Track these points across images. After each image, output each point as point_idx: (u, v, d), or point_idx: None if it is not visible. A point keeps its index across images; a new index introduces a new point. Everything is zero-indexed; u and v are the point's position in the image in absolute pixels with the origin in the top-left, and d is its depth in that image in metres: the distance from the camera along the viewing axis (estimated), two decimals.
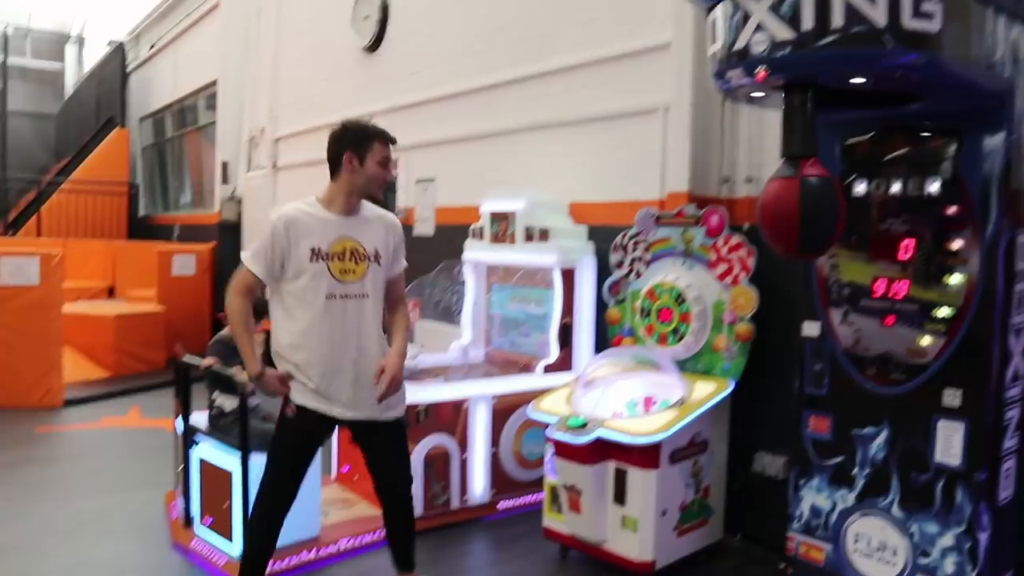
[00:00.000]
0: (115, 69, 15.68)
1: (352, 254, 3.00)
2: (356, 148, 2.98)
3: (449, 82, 6.30)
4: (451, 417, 4.39)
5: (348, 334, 2.98)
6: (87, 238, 13.12)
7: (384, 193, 3.15)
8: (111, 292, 11.36)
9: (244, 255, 3.05)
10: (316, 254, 2.95)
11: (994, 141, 2.82)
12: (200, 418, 4.16)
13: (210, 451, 4.01)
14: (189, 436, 4.15)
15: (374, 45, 7.37)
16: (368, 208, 3.10)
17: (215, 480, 3.95)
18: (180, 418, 4.21)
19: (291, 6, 9.18)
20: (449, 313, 5.68)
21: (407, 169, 6.85)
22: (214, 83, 11.10)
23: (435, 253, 6.03)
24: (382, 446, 3.16)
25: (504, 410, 4.55)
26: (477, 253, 5.20)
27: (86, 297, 10.66)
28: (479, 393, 4.49)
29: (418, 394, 4.21)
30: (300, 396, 3.01)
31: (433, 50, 6.56)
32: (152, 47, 14.72)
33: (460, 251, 5.30)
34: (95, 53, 18.16)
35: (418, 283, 5.89)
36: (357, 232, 3.02)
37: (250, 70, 10.03)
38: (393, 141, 3.05)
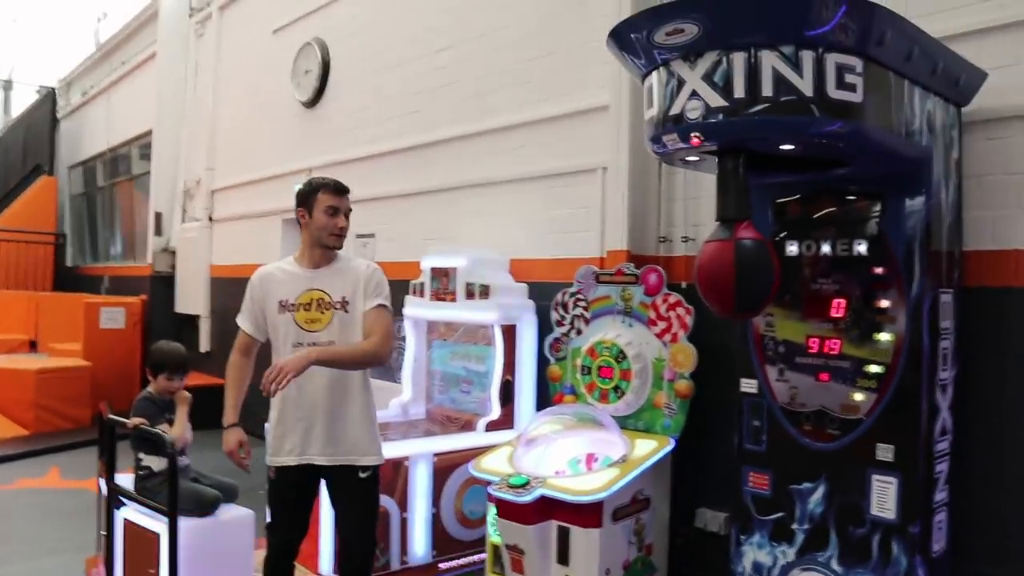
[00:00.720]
0: (44, 115, 15.38)
1: (318, 304, 3.16)
2: (305, 202, 3.20)
3: (389, 138, 6.34)
4: (391, 476, 4.31)
5: (316, 382, 3.09)
6: (9, 288, 12.69)
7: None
8: (33, 346, 10.97)
9: (238, 317, 3.30)
10: (283, 305, 3.16)
11: (915, 204, 2.93)
12: (125, 480, 4.00)
13: (135, 514, 3.87)
14: (113, 497, 3.98)
15: (314, 100, 7.40)
16: (343, 260, 3.27)
17: (140, 545, 3.79)
18: (103, 479, 4.06)
19: (230, 58, 9.18)
20: (389, 370, 5.62)
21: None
22: (148, 133, 10.96)
23: None
24: (351, 502, 3.23)
25: (445, 468, 4.51)
26: (417, 309, 5.18)
27: (4, 351, 10.26)
28: (419, 451, 4.44)
29: None
30: (278, 455, 3.21)
31: (373, 106, 6.61)
32: (84, 94, 14.51)
33: (400, 307, 5.28)
34: (24, 99, 17.78)
35: None
36: (325, 283, 3.18)
37: (186, 120, 9.94)
38: (341, 190, 3.21)
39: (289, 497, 3.25)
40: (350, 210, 3.26)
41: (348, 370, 3.15)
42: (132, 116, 11.96)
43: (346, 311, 3.16)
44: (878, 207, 3.02)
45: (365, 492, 3.23)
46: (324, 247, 3.19)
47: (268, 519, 3.34)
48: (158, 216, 10.32)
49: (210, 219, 9.32)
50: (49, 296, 12.01)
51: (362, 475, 3.20)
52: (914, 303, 2.93)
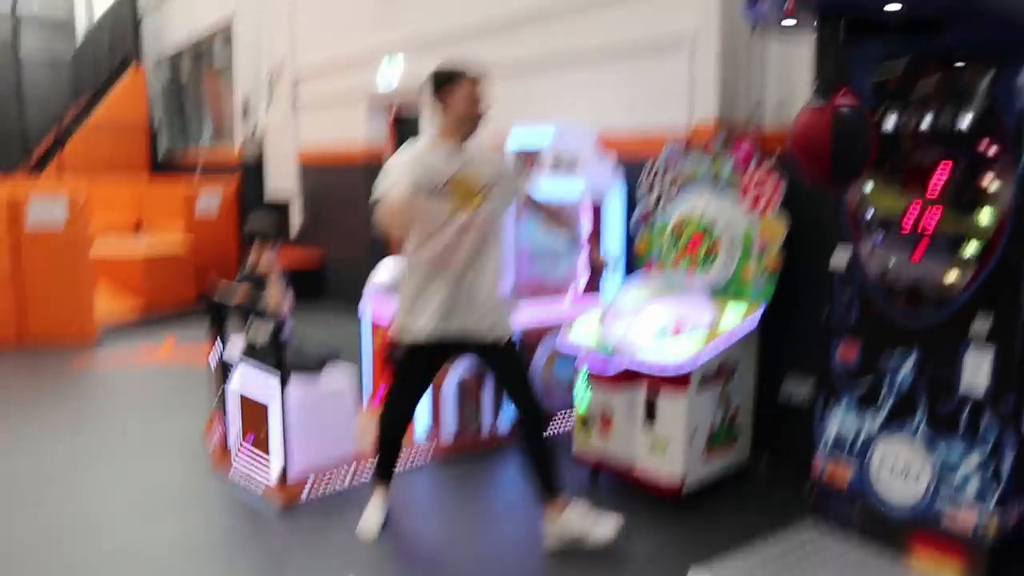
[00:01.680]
0: (129, 9, 15.55)
1: (469, 183, 3.24)
2: (450, 83, 3.21)
3: (471, 11, 6.24)
4: None
5: (464, 261, 3.23)
6: (110, 176, 13.20)
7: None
8: (138, 226, 11.47)
9: (382, 192, 3.11)
10: (434, 188, 3.18)
11: None
12: (235, 347, 4.26)
13: (246, 383, 4.15)
14: (224, 369, 4.28)
15: None
16: (478, 144, 3.34)
17: (252, 411, 4.09)
18: (215, 352, 4.34)
19: None
20: None
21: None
22: (231, 20, 11.01)
23: None
24: (502, 369, 3.39)
25: (535, 337, 4.64)
26: None
27: (114, 233, 10.76)
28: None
29: None
30: (414, 328, 3.29)
31: None
32: None
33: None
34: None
35: None
36: (474, 163, 3.27)
37: (268, 4, 9.93)
38: (480, 77, 3.24)
39: (418, 370, 3.45)
40: (486, 96, 3.33)
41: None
42: (212, 4, 11.99)
43: (491, 196, 3.29)
44: (989, 76, 2.87)
45: (507, 355, 3.39)
46: (470, 130, 3.28)
47: (391, 390, 3.49)
48: (244, 103, 10.50)
49: (294, 104, 9.43)
50: (148, 182, 12.45)
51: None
52: (1022, 177, 2.83)
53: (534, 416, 3.33)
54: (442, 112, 3.24)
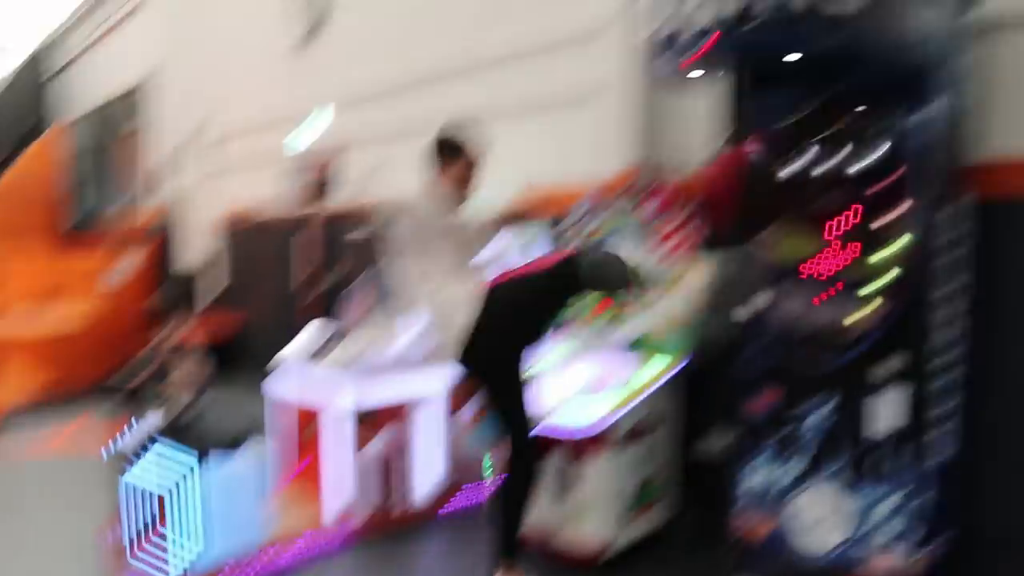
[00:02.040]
0: (34, 75, 15.21)
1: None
2: (451, 152, 3.41)
3: (395, 72, 6.23)
4: (401, 412, 4.34)
5: None
6: (18, 245, 12.65)
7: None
8: (47, 299, 10.96)
9: None
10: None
11: (923, 114, 2.88)
12: (138, 433, 3.99)
13: (149, 469, 3.88)
14: (120, 463, 3.98)
15: (312, 33, 7.21)
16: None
17: (155, 501, 3.80)
18: (118, 437, 4.06)
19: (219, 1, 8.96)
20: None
21: (350, 165, 6.75)
22: (148, 80, 10.79)
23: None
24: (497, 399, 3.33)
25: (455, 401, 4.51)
26: None
27: (21, 306, 10.24)
28: (423, 389, 4.45)
29: (369, 392, 4.18)
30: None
31: (377, 39, 6.46)
32: (74, 51, 14.27)
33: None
34: (11, 62, 17.53)
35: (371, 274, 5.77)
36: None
37: (186, 67, 9.77)
38: (481, 148, 3.46)
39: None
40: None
41: None
42: (125, 69, 11.77)
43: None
44: (886, 118, 2.95)
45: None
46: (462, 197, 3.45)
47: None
48: (162, 165, 10.24)
49: (209, 169, 9.24)
50: (60, 251, 11.95)
51: None
52: (924, 214, 2.89)
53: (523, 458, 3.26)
54: (439, 175, 3.42)
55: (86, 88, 13.75)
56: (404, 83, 6.12)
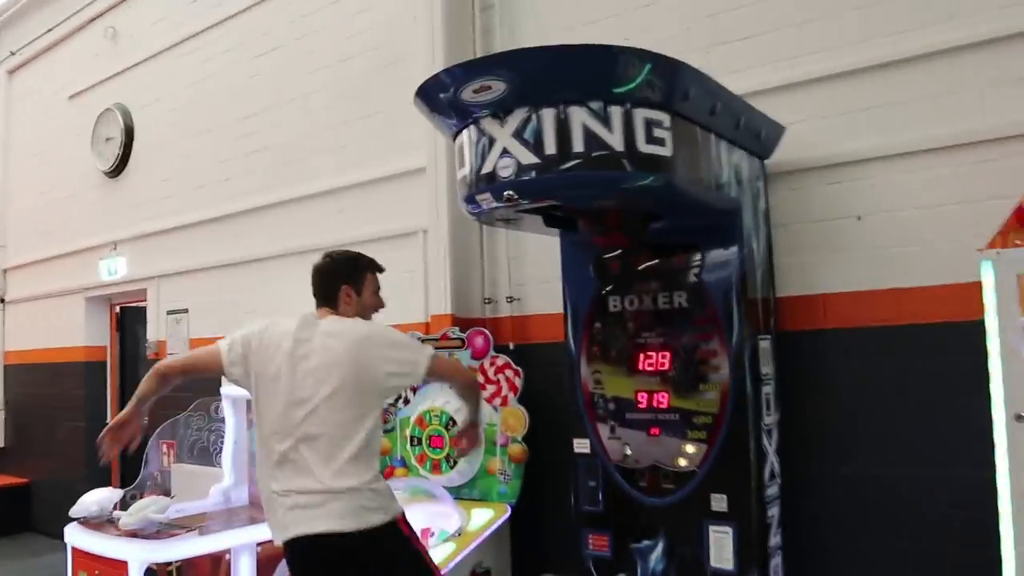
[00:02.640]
0: None
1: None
2: (354, 281, 2.88)
3: (200, 207, 5.98)
4: (210, 572, 3.94)
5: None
6: None
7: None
8: None
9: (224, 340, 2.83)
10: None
11: (729, 254, 3.00)
12: None
13: None
14: None
15: (118, 169, 6.90)
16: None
17: None
18: None
19: (22, 126, 8.46)
20: (208, 454, 5.19)
21: (158, 300, 6.37)
22: None
23: (190, 390, 5.55)
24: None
25: (272, 558, 4.14)
26: (235, 388, 4.80)
27: None
28: (242, 542, 4.06)
29: (169, 550, 3.77)
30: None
31: (183, 174, 6.23)
32: None
33: (217, 386, 4.90)
34: None
35: (171, 423, 5.37)
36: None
37: None
38: (381, 270, 3.02)
39: None
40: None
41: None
42: None
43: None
44: (696, 258, 3.06)
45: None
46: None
47: None
48: None
49: (2, 300, 8.48)
50: None
51: None
52: (735, 351, 2.96)
53: None
54: (347, 301, 2.83)
55: None
56: (214, 221, 5.90)
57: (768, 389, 3.11)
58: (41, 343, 7.77)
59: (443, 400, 3.94)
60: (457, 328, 4.05)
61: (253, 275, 5.55)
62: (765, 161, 3.27)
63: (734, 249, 2.99)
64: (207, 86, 6.08)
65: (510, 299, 4.18)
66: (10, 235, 8.47)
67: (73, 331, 7.34)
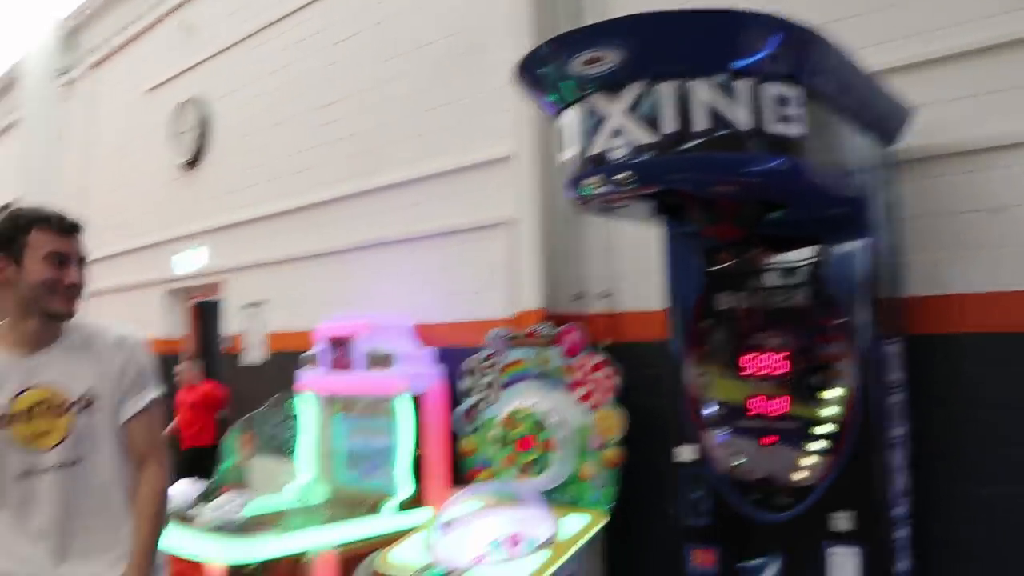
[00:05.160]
0: None
1: (47, 408, 2.08)
2: (8, 248, 2.06)
3: (278, 199, 5.92)
4: (290, 571, 3.85)
5: (56, 522, 2.06)
6: None
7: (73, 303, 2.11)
8: None
9: None
10: None
11: (855, 248, 2.72)
12: None
13: None
14: None
15: (194, 161, 6.90)
16: (78, 332, 2.16)
17: None
18: None
19: (102, 121, 8.60)
20: (285, 449, 5.11)
21: (233, 293, 6.33)
22: (9, 205, 10.12)
23: (267, 383, 5.50)
24: None
25: (353, 559, 4.00)
26: (314, 382, 4.72)
27: None
28: (322, 542, 3.95)
29: (250, 550, 3.70)
30: None
31: (260, 165, 6.18)
32: None
33: (294, 380, 4.81)
34: None
35: (248, 417, 5.32)
36: (54, 372, 2.10)
37: (54, 189, 9.20)
38: (67, 228, 2.11)
39: None
40: (84, 258, 2.15)
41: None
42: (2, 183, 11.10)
43: (92, 412, 2.12)
44: (817, 253, 2.79)
45: None
46: (46, 315, 2.08)
47: None
48: None
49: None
50: None
51: None
52: (862, 355, 2.69)
53: None
54: (7, 284, 2.07)
55: None
56: (292, 212, 5.81)
57: (897, 398, 2.82)
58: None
59: (532, 400, 3.74)
60: (547, 324, 3.84)
61: (331, 267, 5.46)
62: (893, 147, 2.97)
63: (861, 243, 2.71)
64: (283, 76, 6.01)
65: (604, 294, 3.95)
66: (92, 228, 8.55)
67: (152, 323, 7.39)
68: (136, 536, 2.10)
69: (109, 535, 2.12)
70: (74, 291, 2.10)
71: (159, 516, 2.15)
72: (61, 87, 9.23)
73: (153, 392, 2.21)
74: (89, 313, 6.69)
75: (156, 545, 2.13)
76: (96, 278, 8.01)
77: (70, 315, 2.12)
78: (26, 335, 2.10)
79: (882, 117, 2.82)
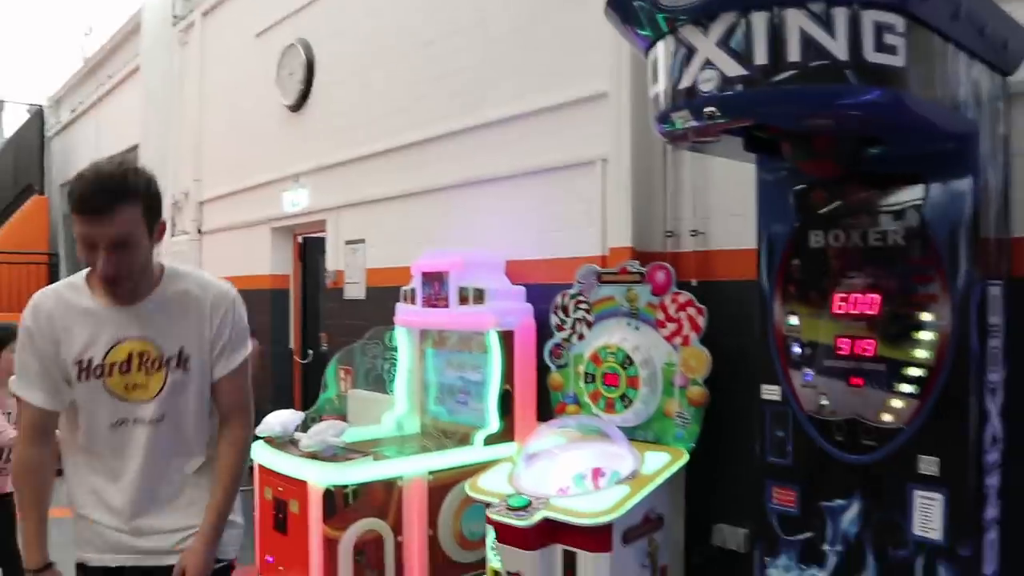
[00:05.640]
0: (34, 134, 15.20)
1: (141, 361, 2.11)
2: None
3: (378, 139, 6.04)
4: (383, 498, 4.03)
5: (143, 475, 2.13)
6: (4, 311, 12.38)
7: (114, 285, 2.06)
8: None
9: (14, 383, 2.19)
10: (83, 367, 2.08)
11: (960, 186, 2.61)
12: None
13: None
14: None
15: (299, 103, 7.11)
16: (174, 282, 2.17)
17: None
18: None
19: (215, 65, 8.92)
20: (381, 382, 5.32)
21: (336, 230, 6.55)
22: (136, 147, 10.68)
23: (366, 318, 5.71)
24: None
25: (441, 487, 4.21)
26: (409, 317, 4.87)
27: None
28: (413, 469, 4.14)
29: (346, 473, 3.89)
30: (87, 550, 2.19)
31: (361, 106, 6.32)
32: (73, 111, 14.29)
33: (393, 315, 4.98)
34: (13, 119, 17.55)
35: (347, 350, 5.55)
36: (149, 326, 2.12)
37: (173, 132, 9.68)
38: (90, 208, 1.94)
39: None
40: (124, 242, 1.98)
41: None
42: (120, 130, 11.68)
43: (185, 369, 2.16)
44: (917, 191, 2.69)
45: None
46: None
47: None
48: None
49: (199, 231, 9.05)
50: None
51: None
52: (960, 297, 2.60)
53: None
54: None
55: (82, 151, 13.68)
56: (392, 152, 5.93)
57: (996, 342, 2.73)
58: (233, 271, 8.24)
59: (620, 336, 3.79)
60: (637, 262, 3.86)
61: (431, 205, 5.57)
62: (1008, 78, 2.82)
63: (966, 181, 2.59)
64: (385, 18, 6.10)
65: (694, 233, 3.93)
66: (205, 170, 8.98)
67: (260, 260, 7.73)
68: (213, 496, 2.18)
69: (190, 491, 2.20)
70: (107, 281, 2.04)
71: (237, 478, 2.23)
72: (179, 32, 9.62)
73: (245, 352, 2.23)
74: (203, 250, 7.10)
75: (231, 505, 2.22)
76: (209, 217, 8.49)
77: (126, 297, 2.09)
78: (119, 288, 2.08)
79: (998, 45, 2.66)
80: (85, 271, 2.12)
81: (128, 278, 2.04)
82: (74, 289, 2.12)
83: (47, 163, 15.14)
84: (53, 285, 2.18)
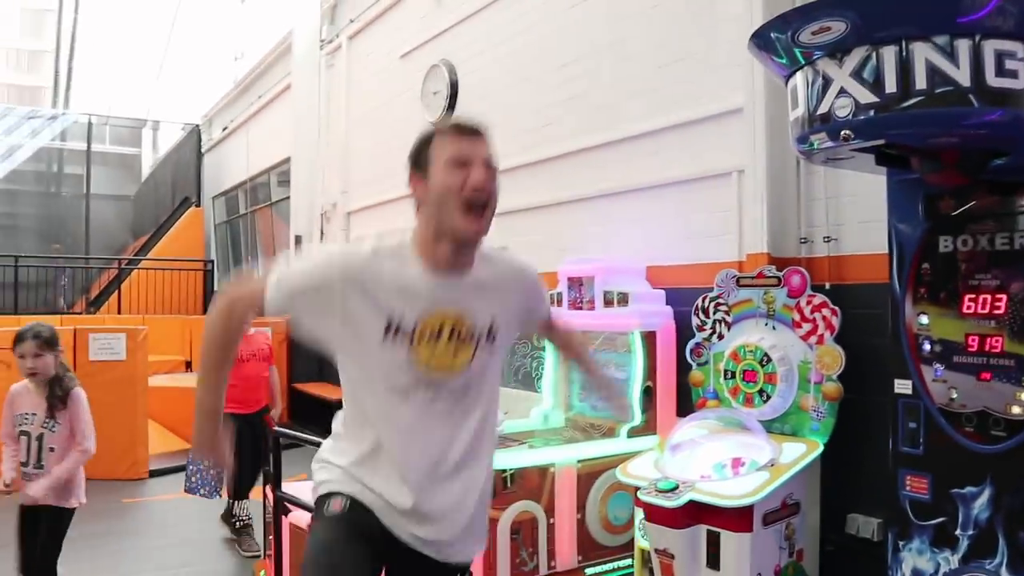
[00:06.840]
0: (190, 150, 16.47)
1: (454, 332, 2.06)
2: (416, 162, 2.11)
3: (521, 153, 6.43)
4: (537, 483, 4.39)
5: (440, 450, 2.07)
6: (165, 314, 13.56)
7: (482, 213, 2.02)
8: (188, 366, 11.69)
9: (271, 271, 2.09)
10: (391, 328, 2.01)
11: None
12: (293, 488, 4.21)
13: (302, 519, 4.07)
14: (280, 505, 4.21)
15: (444, 120, 7.55)
16: (488, 260, 2.16)
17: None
18: (270, 488, 4.29)
19: (361, 85, 9.55)
20: (530, 379, 5.72)
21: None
22: (286, 160, 11.51)
23: None
24: None
25: (589, 475, 4.55)
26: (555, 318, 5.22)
27: (165, 371, 10.99)
28: (564, 458, 4.51)
29: (504, 459, 4.25)
30: (354, 489, 2.08)
31: (503, 122, 6.70)
32: (225, 128, 15.38)
33: None
34: (170, 137, 19.03)
35: None
36: (463, 298, 2.08)
37: (321, 147, 10.40)
38: (469, 129, 2.06)
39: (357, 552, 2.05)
40: (492, 165, 2.06)
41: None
42: (270, 146, 12.58)
43: (492, 344, 2.12)
44: None
45: None
46: (455, 240, 2.03)
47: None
48: (298, 239, 10.83)
49: (347, 240, 9.69)
50: (201, 320, 12.77)
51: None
52: None
53: None
54: (420, 198, 2.11)
55: (235, 164, 14.72)
56: (531, 165, 6.31)
57: None
58: None
59: (758, 336, 4.06)
60: (773, 267, 4.12)
61: (569, 215, 5.92)
62: None
63: None
64: (525, 38, 6.49)
65: (827, 239, 4.16)
66: (352, 182, 9.64)
67: None
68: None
69: (477, 469, 2.13)
70: (479, 197, 1.99)
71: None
72: (326, 55, 10.35)
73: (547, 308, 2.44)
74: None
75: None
76: (356, 227, 9.04)
77: (477, 235, 2.03)
78: (439, 257, 2.04)
79: None
80: (407, 238, 2.10)
81: (490, 202, 2.04)
82: (399, 250, 2.09)
83: (202, 177, 16.36)
84: (385, 242, 2.10)
